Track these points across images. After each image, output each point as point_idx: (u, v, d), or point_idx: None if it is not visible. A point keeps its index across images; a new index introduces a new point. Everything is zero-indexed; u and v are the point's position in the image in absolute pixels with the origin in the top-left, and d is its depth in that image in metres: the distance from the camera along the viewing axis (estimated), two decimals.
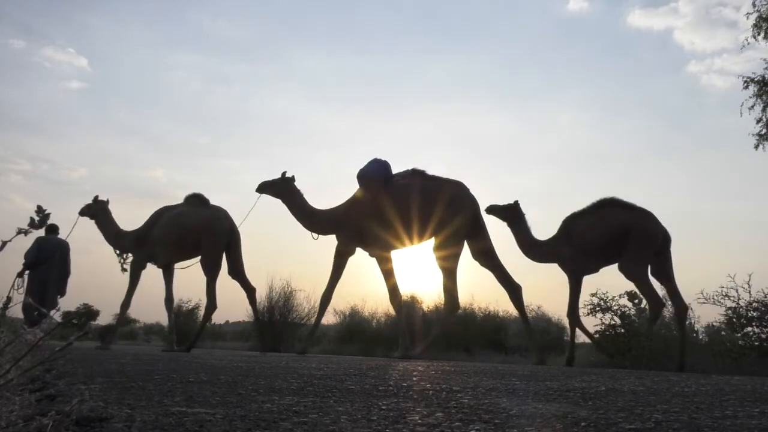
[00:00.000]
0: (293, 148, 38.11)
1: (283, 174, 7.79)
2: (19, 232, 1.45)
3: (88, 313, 23.15)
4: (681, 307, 6.82)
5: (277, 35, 40.32)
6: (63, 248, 8.32)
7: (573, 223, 7.36)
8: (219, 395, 2.18)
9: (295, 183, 7.82)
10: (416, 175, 7.34)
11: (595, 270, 7.37)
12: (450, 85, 38.66)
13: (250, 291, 8.47)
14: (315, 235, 7.60)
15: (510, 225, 7.57)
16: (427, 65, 38.80)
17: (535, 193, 32.95)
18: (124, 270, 8.34)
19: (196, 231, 7.96)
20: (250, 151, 39.61)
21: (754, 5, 9.90)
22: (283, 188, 7.73)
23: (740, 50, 10.34)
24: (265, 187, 7.81)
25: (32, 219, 1.48)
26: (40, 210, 1.50)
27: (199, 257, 8.10)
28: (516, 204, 7.59)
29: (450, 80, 38.25)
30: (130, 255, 8.44)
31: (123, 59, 38.70)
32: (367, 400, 2.13)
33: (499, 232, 7.54)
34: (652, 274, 6.96)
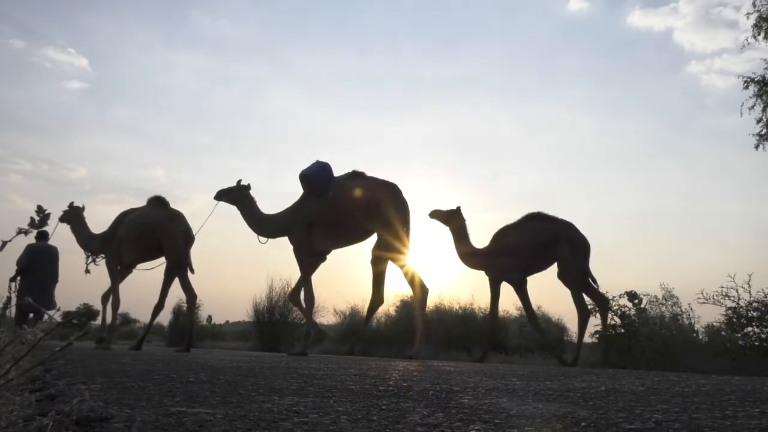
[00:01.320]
0: (293, 148, 38.13)
1: (239, 182, 8.13)
2: (19, 232, 1.45)
3: (88, 313, 23.16)
4: (604, 303, 7.53)
5: (278, 35, 40.35)
6: (52, 253, 8.58)
7: (503, 235, 7.89)
8: (219, 395, 2.18)
9: (251, 191, 8.12)
10: (356, 176, 7.54)
11: (519, 279, 7.90)
12: (450, 85, 38.67)
13: (191, 296, 8.63)
14: (262, 239, 7.87)
15: (451, 230, 7.95)
16: (427, 65, 38.83)
17: (535, 193, 32.95)
18: (87, 272, 8.59)
19: (153, 232, 8.23)
20: (251, 151, 39.63)
21: (754, 5, 9.91)
22: (238, 195, 8.04)
23: (740, 50, 10.35)
24: (221, 195, 8.13)
25: (32, 219, 1.48)
26: (40, 210, 1.50)
27: (163, 258, 8.37)
28: (458, 209, 7.98)
29: (450, 80, 38.27)
30: (99, 257, 8.69)
31: (123, 59, 38.75)
32: (367, 400, 2.13)
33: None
34: (558, 276, 7.57)
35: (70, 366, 3.55)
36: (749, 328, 6.68)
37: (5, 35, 36.31)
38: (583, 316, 7.44)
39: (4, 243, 1.44)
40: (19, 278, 8.35)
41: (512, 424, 1.62)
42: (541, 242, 7.57)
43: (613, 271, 20.62)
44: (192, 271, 8.44)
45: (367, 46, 40.49)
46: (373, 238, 7.45)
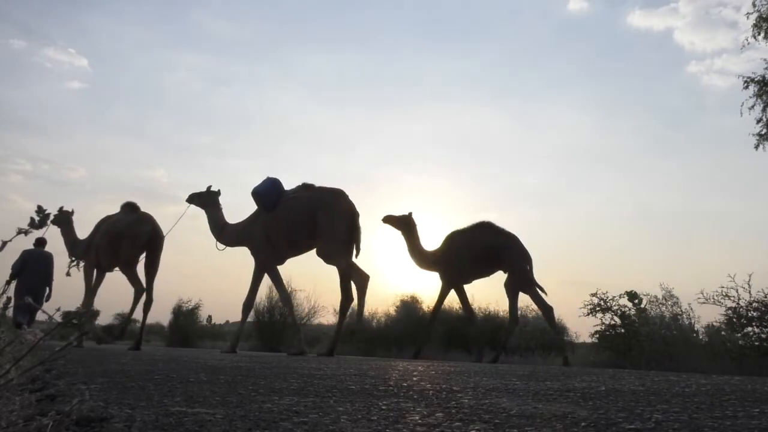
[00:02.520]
0: (294, 148, 38.14)
1: (209, 188, 8.55)
2: (19, 232, 1.44)
3: (87, 312, 23.11)
4: (547, 308, 8.04)
5: (278, 35, 40.35)
6: (46, 259, 8.93)
7: (453, 240, 8.37)
8: (219, 395, 2.18)
9: (220, 197, 8.57)
10: (305, 188, 7.99)
11: (468, 281, 8.44)
12: (450, 85, 38.68)
13: (149, 300, 8.88)
14: (220, 246, 8.31)
15: (403, 234, 8.44)
16: (428, 65, 38.82)
17: (535, 193, 32.97)
18: (68, 275, 8.96)
19: (121, 236, 8.63)
20: (251, 151, 39.63)
21: (754, 5, 9.89)
22: (207, 200, 8.49)
23: (740, 50, 10.33)
24: (193, 198, 8.57)
25: (32, 219, 1.48)
26: (40, 210, 1.50)
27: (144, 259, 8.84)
28: (410, 215, 8.48)
29: (450, 80, 38.27)
30: (81, 262, 9.10)
31: (123, 59, 38.75)
32: (367, 400, 2.13)
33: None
34: (504, 285, 8.15)
35: (70, 366, 3.55)
36: (749, 328, 6.67)
37: (6, 35, 36.36)
38: (513, 321, 8.40)
39: (4, 243, 1.44)
40: (15, 282, 8.68)
41: (512, 424, 1.62)
42: (487, 250, 8.11)
43: (613, 271, 20.63)
44: (150, 299, 8.75)
45: (368, 45, 40.51)
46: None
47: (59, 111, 38.44)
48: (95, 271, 8.96)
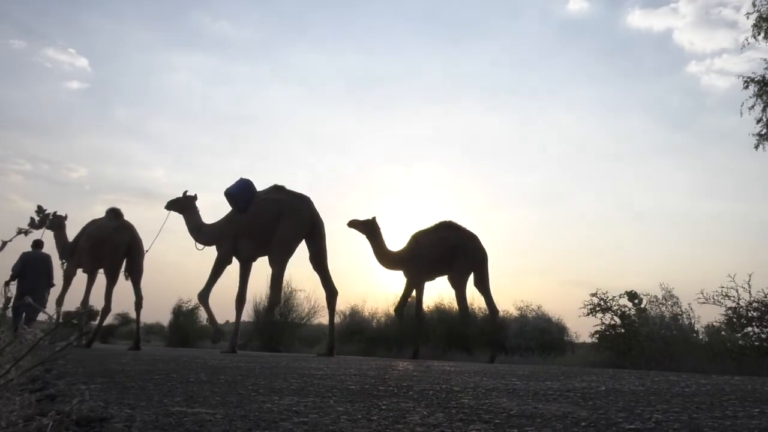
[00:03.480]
0: (293, 148, 38.12)
1: (185, 193, 9.04)
2: (19, 232, 1.45)
3: (88, 313, 23.11)
4: (494, 311, 8.62)
5: (278, 35, 40.29)
6: (45, 261, 9.18)
7: (418, 239, 8.76)
8: (219, 395, 2.18)
9: (196, 201, 9.02)
10: (276, 190, 8.37)
11: (431, 278, 8.81)
12: (450, 85, 38.62)
13: (139, 300, 9.23)
14: (199, 246, 8.72)
15: (368, 237, 8.81)
16: (428, 65, 38.78)
17: (535, 193, 32.95)
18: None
19: (102, 241, 8.99)
20: (251, 151, 39.57)
21: (754, 5, 9.89)
22: (184, 204, 8.97)
23: (740, 50, 10.34)
24: (171, 204, 9.05)
25: (32, 219, 1.48)
26: (40, 210, 1.50)
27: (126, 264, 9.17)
28: (373, 219, 8.87)
29: (450, 80, 38.21)
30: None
31: (123, 59, 38.68)
32: (367, 400, 2.13)
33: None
34: (474, 284, 8.52)
35: (70, 366, 3.55)
36: (749, 328, 6.67)
37: (6, 35, 36.30)
38: (464, 316, 8.81)
39: (4, 243, 1.44)
40: (14, 283, 8.91)
41: (512, 424, 1.62)
42: (449, 249, 8.46)
43: (613, 271, 20.63)
44: (140, 277, 9.12)
45: (368, 45, 40.46)
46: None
47: (59, 111, 38.42)
48: (85, 273, 9.30)
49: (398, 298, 8.95)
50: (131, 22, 36.11)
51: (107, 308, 9.13)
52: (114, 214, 9.31)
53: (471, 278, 8.50)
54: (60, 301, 9.27)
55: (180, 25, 38.56)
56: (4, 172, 34.87)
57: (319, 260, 8.26)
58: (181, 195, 9.04)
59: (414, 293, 8.79)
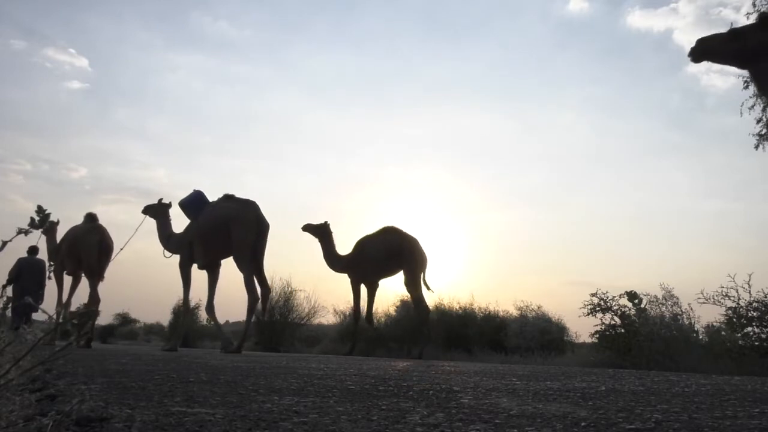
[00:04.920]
0: (293, 148, 38.13)
1: (160, 200, 9.64)
2: (20, 232, 1.44)
3: (88, 313, 23.11)
4: (424, 310, 9.36)
5: (278, 35, 40.27)
6: (39, 266, 9.92)
7: (364, 244, 9.42)
8: (219, 395, 2.18)
9: (170, 210, 9.56)
10: (226, 199, 8.88)
11: (375, 281, 9.53)
12: (450, 85, 38.62)
13: (94, 302, 9.74)
14: (167, 253, 9.26)
15: (320, 240, 9.53)
16: (427, 65, 38.78)
17: (535, 193, 32.96)
18: (49, 278, 10.04)
19: (76, 244, 9.62)
20: (251, 151, 39.61)
21: (754, 5, 9.87)
22: (158, 211, 9.53)
23: None
24: (147, 210, 9.64)
25: (32, 219, 1.48)
26: (40, 210, 1.50)
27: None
28: (326, 224, 9.60)
29: (450, 80, 38.21)
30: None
31: (124, 59, 38.70)
32: (367, 400, 2.13)
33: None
34: (404, 284, 9.22)
35: (70, 366, 3.55)
36: (749, 328, 6.65)
37: (6, 36, 36.29)
38: (424, 313, 9.38)
39: (4, 243, 1.44)
40: (10, 287, 9.51)
41: (512, 424, 1.62)
42: (392, 252, 9.11)
43: (613, 271, 20.63)
44: (101, 279, 9.67)
45: (367, 46, 40.45)
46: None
47: (59, 111, 38.42)
48: (65, 274, 9.97)
49: (353, 304, 9.57)
50: (131, 22, 36.13)
51: (91, 302, 9.59)
52: (89, 218, 9.97)
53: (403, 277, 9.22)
54: (60, 302, 9.84)
55: (180, 26, 38.59)
56: (4, 172, 34.87)
57: (257, 259, 8.65)
58: (156, 202, 9.62)
59: (367, 296, 9.54)
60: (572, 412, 1.86)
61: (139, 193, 37.85)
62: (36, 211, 1.49)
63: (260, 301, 8.81)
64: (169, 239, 9.30)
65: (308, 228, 9.57)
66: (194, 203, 8.99)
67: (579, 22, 35.06)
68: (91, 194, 36.24)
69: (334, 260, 9.54)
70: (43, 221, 1.49)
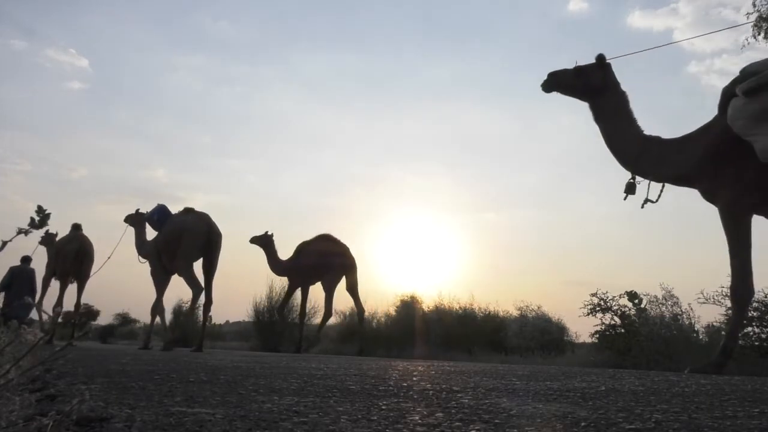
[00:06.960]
0: (294, 148, 38.12)
1: (137, 210, 10.44)
2: (20, 232, 1.44)
3: (88, 313, 23.14)
4: (361, 311, 10.50)
5: (278, 36, 40.31)
6: (29, 274, 10.77)
7: (301, 250, 10.52)
8: (219, 395, 2.18)
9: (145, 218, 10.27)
10: (185, 212, 9.61)
11: (311, 283, 10.61)
12: (450, 85, 38.65)
13: (78, 303, 11.33)
14: (142, 260, 10.02)
15: (264, 249, 10.62)
16: (427, 65, 38.80)
17: (535, 193, 32.96)
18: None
19: (58, 252, 10.73)
20: (251, 152, 39.64)
21: (754, 5, 9.88)
22: (135, 221, 10.35)
23: (740, 50, 10.33)
24: (127, 218, 10.49)
25: (32, 219, 1.48)
26: (40, 210, 1.50)
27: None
28: (267, 234, 10.69)
29: (450, 80, 38.24)
30: None
31: (124, 60, 38.75)
32: (367, 400, 2.13)
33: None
34: (346, 289, 10.34)
35: (70, 366, 3.55)
36: (749, 328, 6.65)
37: (7, 36, 36.33)
38: (327, 314, 10.49)
39: (4, 243, 1.44)
40: (2, 294, 10.44)
41: (512, 424, 1.62)
42: (323, 258, 10.14)
43: (613, 271, 20.63)
44: (82, 285, 10.87)
45: (368, 46, 40.48)
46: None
47: (59, 111, 38.46)
48: (55, 279, 10.97)
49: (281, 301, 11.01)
50: (131, 23, 36.16)
51: (79, 305, 11.19)
52: (73, 227, 11.09)
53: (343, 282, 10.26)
54: (59, 302, 10.85)
55: (180, 26, 38.61)
56: (4, 172, 34.92)
57: (207, 269, 9.32)
58: (134, 212, 10.49)
59: (303, 296, 10.67)
60: (572, 412, 1.86)
61: (139, 193, 37.87)
62: (36, 211, 1.49)
63: (203, 308, 9.57)
64: (141, 246, 10.17)
65: (254, 240, 10.70)
66: (158, 216, 9.79)
67: (579, 22, 35.10)
68: (91, 194, 36.31)
69: (276, 265, 10.68)
70: (43, 221, 1.49)
